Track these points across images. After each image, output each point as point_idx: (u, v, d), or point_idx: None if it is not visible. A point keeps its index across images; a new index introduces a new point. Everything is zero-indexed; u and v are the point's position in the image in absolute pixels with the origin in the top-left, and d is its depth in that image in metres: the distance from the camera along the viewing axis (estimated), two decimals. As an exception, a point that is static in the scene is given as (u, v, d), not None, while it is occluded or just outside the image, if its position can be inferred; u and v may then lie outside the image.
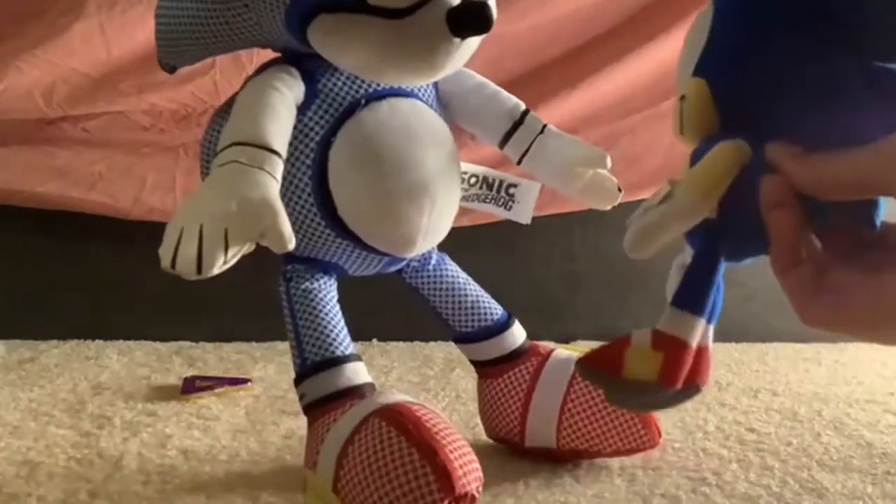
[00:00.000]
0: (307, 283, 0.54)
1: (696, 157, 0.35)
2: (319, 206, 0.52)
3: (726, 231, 0.34)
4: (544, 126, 0.60)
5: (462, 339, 0.61)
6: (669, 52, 1.00)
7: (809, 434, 0.68)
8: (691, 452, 0.63)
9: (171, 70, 0.59)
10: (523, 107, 0.60)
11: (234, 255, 0.41)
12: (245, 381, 0.81)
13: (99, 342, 0.98)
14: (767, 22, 0.35)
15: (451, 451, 0.44)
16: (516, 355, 0.61)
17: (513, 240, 1.04)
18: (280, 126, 0.48)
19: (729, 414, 0.74)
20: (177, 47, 0.56)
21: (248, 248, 0.42)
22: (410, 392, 0.80)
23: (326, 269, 0.56)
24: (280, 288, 0.55)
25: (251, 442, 0.64)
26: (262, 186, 0.43)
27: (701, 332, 0.35)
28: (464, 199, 0.61)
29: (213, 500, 0.53)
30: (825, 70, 0.34)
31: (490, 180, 0.63)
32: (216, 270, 0.41)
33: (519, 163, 0.60)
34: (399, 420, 0.45)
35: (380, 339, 1.02)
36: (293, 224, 0.44)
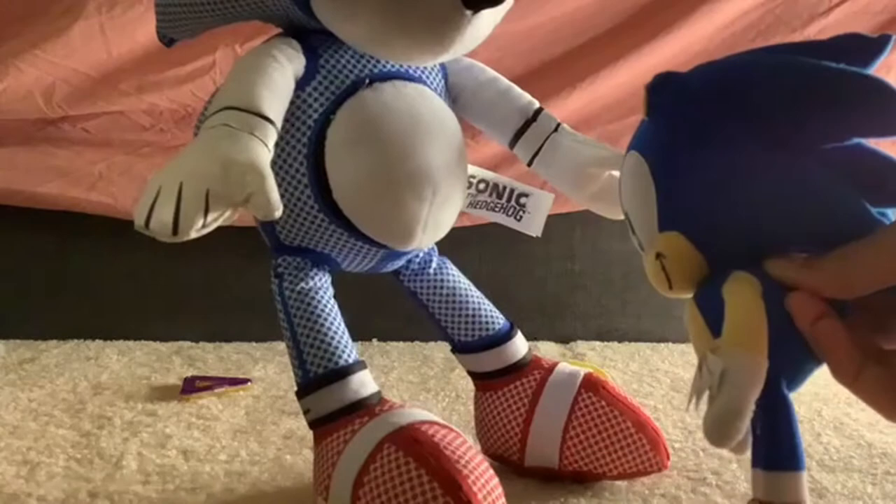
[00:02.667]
0: (302, 284, 0.51)
1: (705, 306, 0.34)
2: (313, 187, 0.49)
3: (780, 366, 0.32)
4: (558, 125, 0.57)
5: (461, 349, 0.59)
6: (669, 51, 1.00)
7: (809, 434, 0.68)
8: (691, 452, 0.63)
9: (170, 43, 0.57)
10: (537, 104, 0.58)
11: (215, 220, 0.39)
12: (245, 381, 0.81)
13: (99, 342, 0.98)
14: (710, 151, 0.34)
15: (475, 482, 0.41)
16: (518, 368, 0.58)
17: (513, 240, 1.04)
18: (276, 95, 0.45)
19: (729, 414, 0.73)
20: (177, 18, 0.54)
21: (230, 214, 0.39)
22: (410, 392, 0.80)
23: (319, 262, 0.53)
24: (273, 287, 0.52)
25: (251, 442, 0.64)
26: (249, 150, 0.41)
27: (805, 484, 0.32)
28: (471, 205, 0.59)
29: (213, 500, 0.53)
30: (788, 171, 0.33)
31: (500, 188, 0.60)
32: (193, 234, 0.38)
33: (529, 164, 0.57)
34: (417, 450, 0.42)
35: (380, 339, 1.02)
36: (284, 206, 0.42)
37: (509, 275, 1.03)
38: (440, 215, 0.52)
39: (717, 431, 0.30)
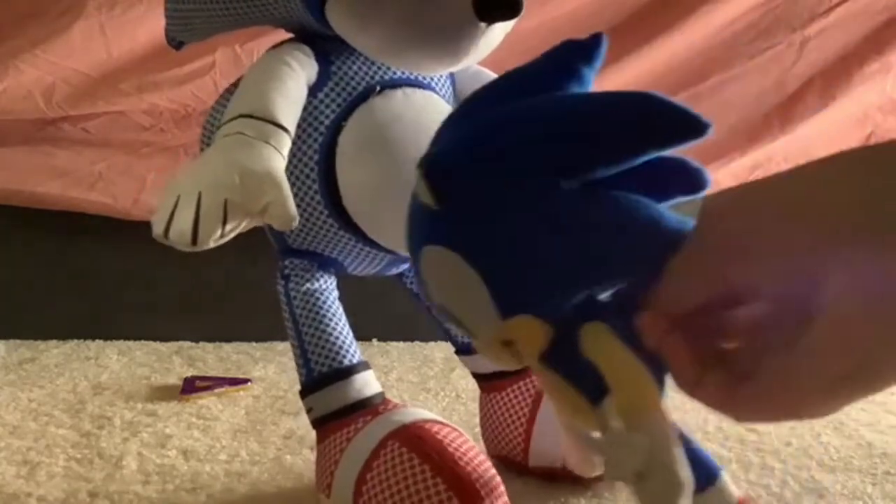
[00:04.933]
0: (308, 284, 0.52)
1: (569, 372, 0.33)
2: (324, 192, 0.50)
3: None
4: None
5: (464, 350, 0.59)
6: (670, 51, 1.00)
7: (809, 434, 0.68)
8: (691, 452, 0.62)
9: (179, 46, 0.57)
10: None
11: (232, 230, 0.39)
12: (245, 381, 0.81)
13: (99, 342, 0.98)
14: (525, 218, 0.32)
15: (477, 479, 0.41)
16: (519, 371, 0.58)
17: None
18: (289, 102, 0.46)
19: (729, 414, 0.73)
20: (188, 22, 0.54)
21: (246, 223, 0.40)
22: (410, 392, 0.80)
23: (325, 265, 0.53)
24: (278, 287, 0.52)
25: (251, 442, 0.64)
26: (266, 160, 0.42)
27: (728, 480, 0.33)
28: None
29: (213, 500, 0.53)
30: (598, 208, 0.32)
31: None
32: (211, 244, 0.39)
33: None
34: (420, 446, 0.43)
35: (380, 339, 1.02)
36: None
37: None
38: None
39: (673, 501, 0.29)
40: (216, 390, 0.78)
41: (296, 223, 0.41)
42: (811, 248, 0.25)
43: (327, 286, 0.53)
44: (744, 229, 0.27)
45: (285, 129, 0.44)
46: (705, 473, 0.36)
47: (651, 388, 0.31)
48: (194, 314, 1.02)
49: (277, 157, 0.42)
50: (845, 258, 0.24)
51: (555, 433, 0.55)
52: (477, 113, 0.36)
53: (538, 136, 0.32)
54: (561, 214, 0.32)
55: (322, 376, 0.49)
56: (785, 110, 1.06)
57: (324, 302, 0.51)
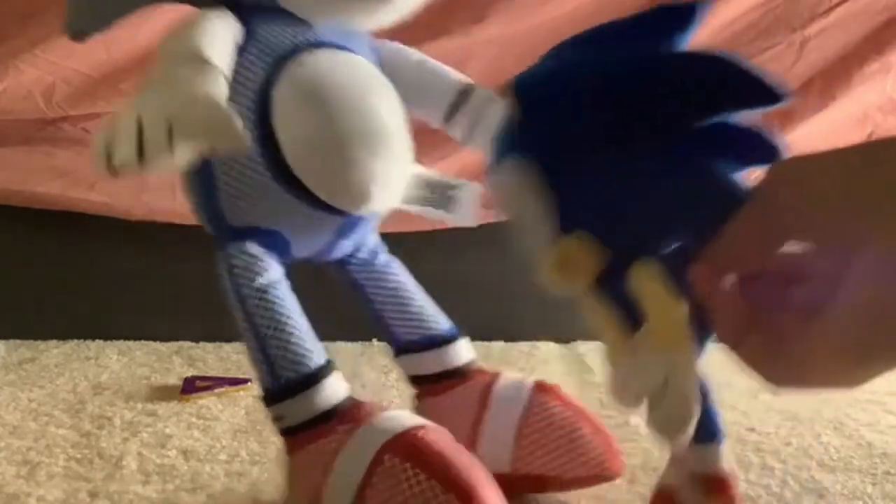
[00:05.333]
0: (259, 279, 0.48)
1: (614, 299, 0.35)
2: (264, 152, 0.48)
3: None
4: (494, 95, 0.55)
5: (404, 348, 0.57)
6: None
7: (809, 434, 0.68)
8: (691, 452, 0.62)
9: (81, 37, 0.54)
10: (471, 81, 0.56)
11: (182, 154, 0.38)
12: (245, 381, 0.81)
13: (99, 342, 0.98)
14: (600, 147, 0.34)
15: (482, 489, 0.40)
16: (461, 374, 0.56)
17: (512, 238, 1.04)
18: (219, 45, 0.45)
19: (729, 414, 0.73)
20: (93, 7, 0.52)
21: (195, 149, 0.39)
22: (410, 391, 0.80)
23: (270, 245, 0.50)
24: (224, 283, 0.49)
25: (251, 442, 0.64)
26: (203, 85, 0.41)
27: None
28: (405, 200, 0.57)
29: (213, 500, 0.53)
30: (670, 157, 0.34)
31: (430, 181, 0.59)
32: (160, 166, 0.37)
33: (466, 141, 0.56)
34: (422, 458, 0.41)
35: (380, 340, 1.01)
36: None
37: (508, 274, 1.03)
38: (394, 173, 0.51)
39: (673, 432, 0.32)
40: (216, 390, 0.78)
41: (248, 143, 0.40)
42: (855, 217, 0.27)
43: (278, 277, 0.49)
44: (799, 194, 0.28)
45: (218, 67, 0.44)
46: (711, 430, 0.38)
47: (682, 326, 0.32)
48: (194, 314, 1.02)
49: (215, 84, 0.42)
50: (883, 233, 0.26)
51: (504, 437, 0.53)
52: (568, 53, 0.38)
53: (619, 87, 0.34)
54: (628, 164, 0.34)
55: (291, 383, 0.46)
56: (785, 110, 1.06)
57: (279, 297, 0.48)
